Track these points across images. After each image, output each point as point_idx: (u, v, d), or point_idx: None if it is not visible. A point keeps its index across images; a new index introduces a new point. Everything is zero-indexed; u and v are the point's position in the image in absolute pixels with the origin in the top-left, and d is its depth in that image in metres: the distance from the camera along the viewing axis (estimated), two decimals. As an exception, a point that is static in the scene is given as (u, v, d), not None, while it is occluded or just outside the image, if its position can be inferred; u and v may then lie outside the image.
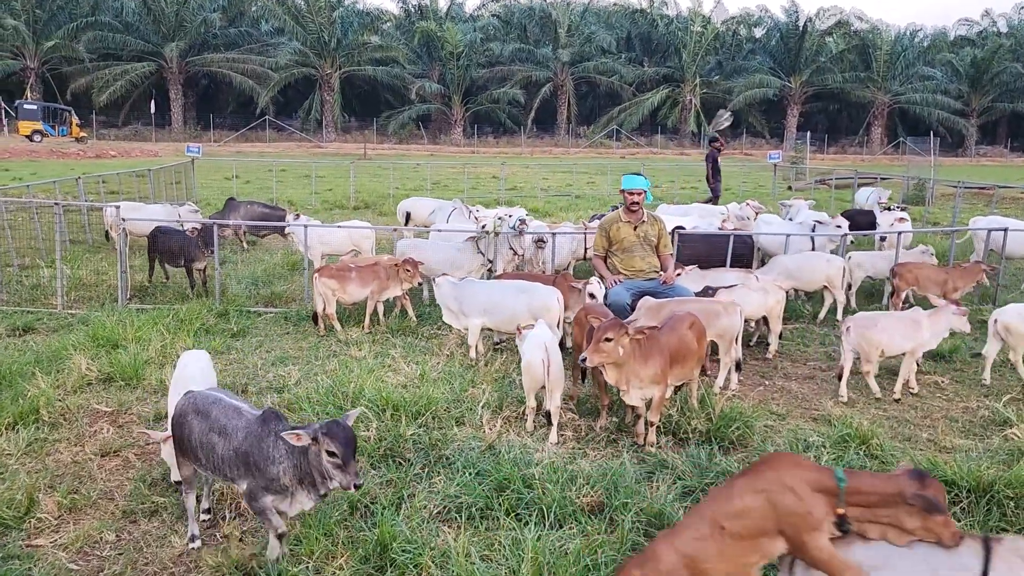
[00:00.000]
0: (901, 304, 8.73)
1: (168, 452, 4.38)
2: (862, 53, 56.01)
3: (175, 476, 4.43)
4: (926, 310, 6.81)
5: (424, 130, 54.59)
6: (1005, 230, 9.76)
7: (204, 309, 8.40)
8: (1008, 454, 5.25)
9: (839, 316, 8.86)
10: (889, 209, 11.79)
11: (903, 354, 6.61)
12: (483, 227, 9.16)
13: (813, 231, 10.06)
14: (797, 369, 7.37)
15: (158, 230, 9.85)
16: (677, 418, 5.63)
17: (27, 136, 40.91)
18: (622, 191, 7.52)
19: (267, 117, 49.64)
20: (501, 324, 7.24)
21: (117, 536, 4.22)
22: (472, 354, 7.20)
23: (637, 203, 7.44)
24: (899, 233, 9.74)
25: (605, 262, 7.64)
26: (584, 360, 5.03)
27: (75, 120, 44.67)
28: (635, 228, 7.47)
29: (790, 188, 25.42)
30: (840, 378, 6.57)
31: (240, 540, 4.16)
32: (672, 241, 8.01)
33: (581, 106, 58.74)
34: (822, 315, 8.99)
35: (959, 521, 4.36)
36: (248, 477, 3.75)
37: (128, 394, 6.15)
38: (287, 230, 10.07)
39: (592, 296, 7.08)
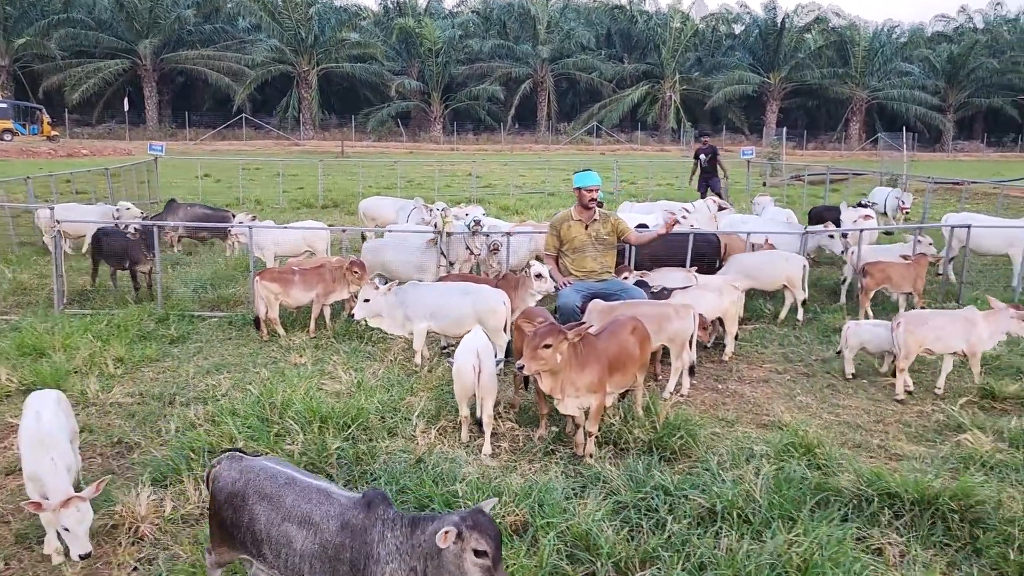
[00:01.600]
0: (868, 303, 8.60)
1: (49, 520, 3.79)
2: (840, 49, 56.05)
3: (48, 548, 3.92)
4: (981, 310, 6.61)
5: (403, 127, 54.17)
6: (968, 226, 9.61)
7: (143, 314, 8.11)
8: (958, 461, 5.07)
9: (799, 316, 8.68)
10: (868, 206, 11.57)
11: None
12: (434, 222, 8.93)
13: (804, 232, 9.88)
14: (753, 372, 7.15)
15: (101, 232, 9.52)
16: (619, 427, 5.39)
17: (-3, 135, 40.25)
18: (576, 189, 7.27)
19: (244, 115, 49.04)
20: (447, 327, 6.99)
21: (6, 564, 3.94)
22: (417, 359, 6.94)
23: (595, 199, 7.22)
24: (861, 231, 9.56)
25: (557, 263, 7.40)
26: (521, 368, 4.79)
27: (46, 119, 43.98)
28: (586, 227, 7.22)
29: (764, 184, 25.30)
30: (898, 373, 6.48)
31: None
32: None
33: (561, 103, 58.49)
34: (783, 315, 8.80)
35: (900, 537, 4.16)
36: None
37: (47, 406, 5.85)
38: (234, 231, 9.75)
39: (539, 276, 6.88)
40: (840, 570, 3.64)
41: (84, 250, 11.20)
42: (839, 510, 4.27)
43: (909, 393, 6.50)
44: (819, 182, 23.78)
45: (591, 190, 7.14)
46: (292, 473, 3.24)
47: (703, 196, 15.14)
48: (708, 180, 16.33)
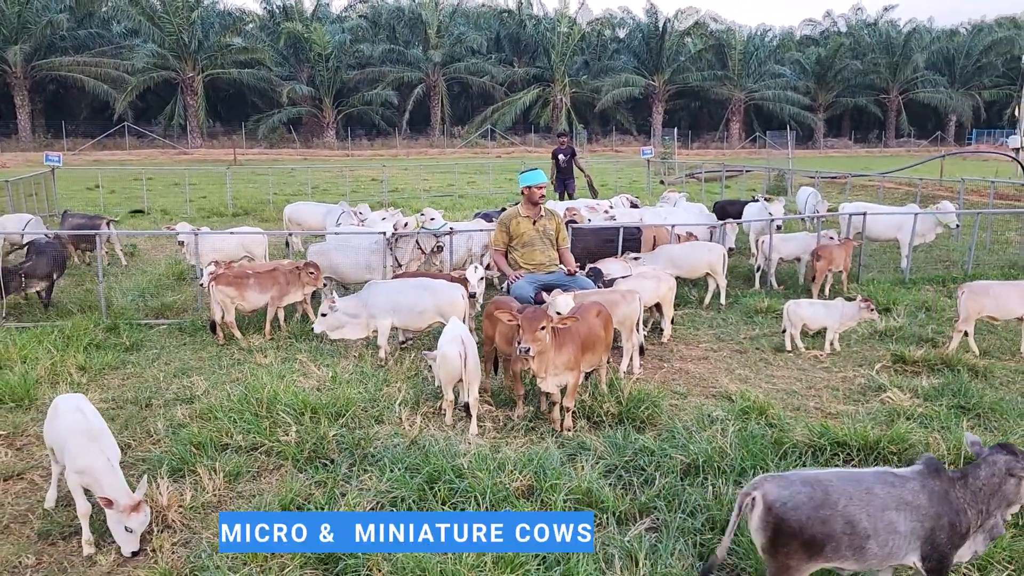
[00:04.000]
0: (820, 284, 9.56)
1: (116, 519, 3.95)
2: (719, 53, 58.91)
3: (86, 541, 4.07)
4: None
5: (296, 134, 53.28)
6: (864, 214, 10.64)
7: (91, 324, 8.02)
8: (885, 415, 5.80)
9: (722, 300, 9.43)
10: (767, 201, 12.47)
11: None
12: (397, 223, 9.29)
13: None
14: (691, 351, 7.79)
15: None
16: (590, 402, 5.88)
17: None
18: (527, 187, 7.70)
19: (126, 123, 47.08)
20: (409, 322, 7.31)
21: (37, 559, 4.05)
22: (382, 354, 7.22)
23: (544, 196, 7.71)
24: (772, 220, 10.43)
25: (506, 257, 7.83)
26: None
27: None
28: (534, 223, 7.70)
29: (662, 183, 26.48)
30: (962, 336, 7.41)
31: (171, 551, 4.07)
32: None
33: (455, 106, 58.90)
34: (707, 300, 9.53)
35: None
36: (930, 546, 3.28)
37: (21, 415, 5.84)
38: (180, 238, 9.70)
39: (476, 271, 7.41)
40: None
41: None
42: (799, 458, 4.89)
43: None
44: (714, 179, 25.17)
45: (540, 187, 7.64)
46: (833, 471, 3.48)
47: (560, 197, 15.03)
48: (565, 180, 15.88)
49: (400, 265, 9.03)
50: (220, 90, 53.03)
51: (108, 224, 12.02)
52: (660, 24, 58.21)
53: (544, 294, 6.74)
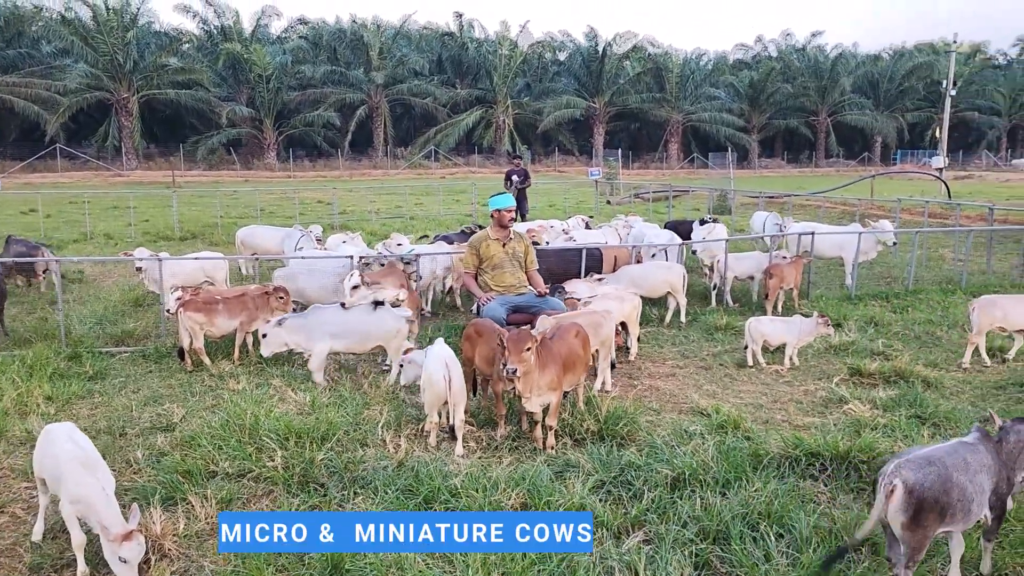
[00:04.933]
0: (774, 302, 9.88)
1: (71, 512, 3.97)
2: (656, 75, 60.36)
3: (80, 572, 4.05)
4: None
5: (236, 155, 52.55)
6: (812, 233, 11.09)
7: (51, 353, 7.84)
8: (850, 426, 6.08)
9: (682, 318, 9.71)
10: (711, 221, 12.84)
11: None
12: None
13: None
14: (659, 368, 8.00)
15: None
16: (571, 421, 6.02)
17: None
18: (496, 211, 7.88)
19: (57, 145, 45.77)
20: (352, 346, 7.42)
21: (32, 593, 3.99)
22: (318, 378, 7.22)
23: (513, 219, 7.87)
24: (726, 240, 10.78)
25: (476, 279, 7.96)
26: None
27: None
28: (504, 245, 7.86)
29: (609, 202, 27.00)
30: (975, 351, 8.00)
31: (172, 582, 4.05)
32: None
33: (398, 128, 58.98)
34: (668, 318, 9.79)
35: (825, 487, 5.05)
36: (995, 497, 3.90)
37: (-8, 448, 5.70)
38: (139, 264, 9.54)
39: (355, 288, 7.57)
40: (793, 511, 4.44)
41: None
42: (777, 468, 5.11)
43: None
44: (660, 199, 25.78)
45: (509, 211, 7.83)
46: (936, 447, 3.92)
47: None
48: (519, 202, 15.57)
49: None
50: (156, 111, 52.09)
51: (44, 252, 11.65)
52: (600, 47, 59.40)
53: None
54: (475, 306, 7.95)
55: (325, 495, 4.86)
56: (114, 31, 46.89)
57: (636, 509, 4.61)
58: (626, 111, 60.66)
